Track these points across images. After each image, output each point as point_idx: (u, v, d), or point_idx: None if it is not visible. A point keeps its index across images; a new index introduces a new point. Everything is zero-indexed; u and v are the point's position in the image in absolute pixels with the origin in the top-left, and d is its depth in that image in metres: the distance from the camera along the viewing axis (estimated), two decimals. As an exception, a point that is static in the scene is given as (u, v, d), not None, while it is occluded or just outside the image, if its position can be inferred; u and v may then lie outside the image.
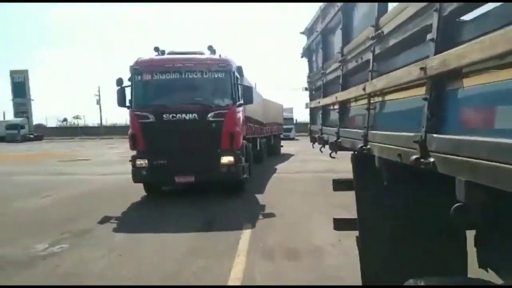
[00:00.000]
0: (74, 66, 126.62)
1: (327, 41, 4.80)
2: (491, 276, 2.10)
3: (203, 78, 9.92)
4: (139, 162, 9.77)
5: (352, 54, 3.45)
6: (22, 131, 52.10)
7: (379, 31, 2.63)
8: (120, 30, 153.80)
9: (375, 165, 2.78)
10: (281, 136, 27.54)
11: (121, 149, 30.24)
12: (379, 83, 2.52)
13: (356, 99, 3.34)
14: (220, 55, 10.45)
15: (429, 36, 1.92)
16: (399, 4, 2.35)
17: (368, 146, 2.81)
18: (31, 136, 53.30)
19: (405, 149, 2.10)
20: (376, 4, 2.75)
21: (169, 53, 11.09)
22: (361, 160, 3.42)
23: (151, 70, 9.98)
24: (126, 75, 10.24)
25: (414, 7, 2.09)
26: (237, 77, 10.45)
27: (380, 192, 3.10)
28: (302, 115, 50.58)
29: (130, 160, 10.04)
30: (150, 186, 10.75)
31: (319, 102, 5.05)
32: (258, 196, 10.74)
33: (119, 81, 10.09)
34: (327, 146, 5.16)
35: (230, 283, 5.04)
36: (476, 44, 1.45)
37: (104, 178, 14.95)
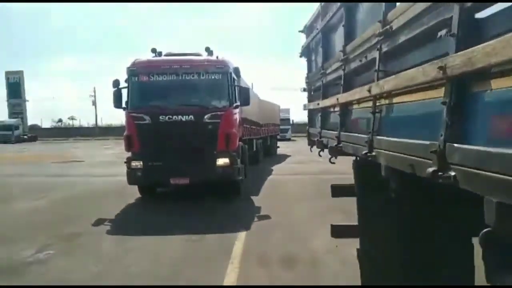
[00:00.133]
0: (70, 67, 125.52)
1: (327, 39, 4.56)
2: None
3: (200, 79, 9.86)
4: (134, 163, 9.65)
5: (356, 53, 3.22)
6: (16, 132, 51.51)
7: (387, 27, 2.39)
8: (117, 31, 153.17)
9: (379, 173, 2.56)
10: (278, 136, 27.43)
11: (116, 150, 29.88)
12: (387, 84, 2.29)
13: (360, 101, 3.10)
14: (217, 57, 10.38)
15: (444, 32, 1.69)
16: (411, -4, 2.12)
17: (374, 153, 2.58)
18: (25, 137, 52.75)
19: (418, 159, 1.86)
20: None
21: (166, 55, 11.02)
22: (364, 167, 3.20)
23: (148, 72, 9.91)
24: (120, 76, 10.19)
25: (429, -1, 1.85)
26: (234, 79, 10.38)
27: (384, 201, 2.88)
28: (298, 116, 50.67)
29: (125, 162, 9.91)
30: (144, 188, 10.59)
31: (318, 104, 4.82)
32: (253, 198, 10.54)
33: (116, 83, 10.01)
34: (325, 150, 4.98)
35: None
36: (510, 38, 1.22)
37: (97, 180, 14.65)
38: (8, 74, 62.52)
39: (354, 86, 3.44)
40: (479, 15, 1.57)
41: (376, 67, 2.63)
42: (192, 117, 9.59)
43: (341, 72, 3.75)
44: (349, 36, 3.47)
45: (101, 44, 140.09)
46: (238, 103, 10.46)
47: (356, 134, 3.14)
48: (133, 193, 10.68)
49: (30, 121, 64.75)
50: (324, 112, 4.74)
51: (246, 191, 11.17)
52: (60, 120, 77.85)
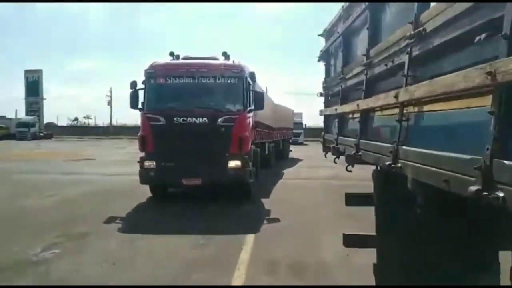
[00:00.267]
0: (88, 67, 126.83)
1: (348, 43, 4.37)
2: None
3: (216, 83, 10.01)
4: (147, 163, 9.75)
5: (380, 57, 3.02)
6: (32, 129, 52.20)
7: (420, 28, 2.19)
8: (136, 34, 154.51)
9: (403, 185, 2.36)
10: (290, 140, 27.29)
11: (129, 150, 30.08)
12: (419, 90, 2.08)
13: (383, 108, 2.90)
14: (233, 61, 10.54)
15: (484, 35, 1.49)
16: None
17: (399, 165, 2.37)
18: (41, 134, 53.39)
19: (456, 175, 1.66)
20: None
21: (184, 58, 11.22)
22: (385, 177, 3.00)
23: (165, 74, 10.10)
24: (136, 78, 10.27)
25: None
26: (249, 83, 10.49)
27: (407, 214, 2.68)
28: (311, 120, 50.64)
29: (138, 161, 9.99)
30: (156, 188, 10.63)
31: (336, 110, 4.62)
32: (263, 201, 10.50)
33: (133, 84, 10.16)
34: (341, 157, 4.78)
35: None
36: None
37: (109, 179, 14.62)
38: (27, 73, 63.63)
39: (377, 92, 3.24)
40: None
41: (405, 72, 2.43)
42: (206, 120, 9.69)
43: (362, 77, 3.56)
44: (374, 39, 3.28)
45: (120, 46, 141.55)
46: (253, 107, 10.56)
47: (378, 143, 2.94)
48: (144, 193, 10.61)
49: (46, 119, 65.65)
50: (342, 118, 4.54)
51: (257, 194, 11.09)
52: (76, 119, 78.72)
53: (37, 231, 7.41)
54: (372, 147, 3.06)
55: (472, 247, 2.50)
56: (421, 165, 2.02)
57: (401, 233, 2.82)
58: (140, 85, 10.18)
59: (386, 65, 2.90)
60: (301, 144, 39.15)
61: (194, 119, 9.69)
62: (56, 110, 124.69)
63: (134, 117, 63.86)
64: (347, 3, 4.26)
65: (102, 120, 74.21)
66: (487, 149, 1.44)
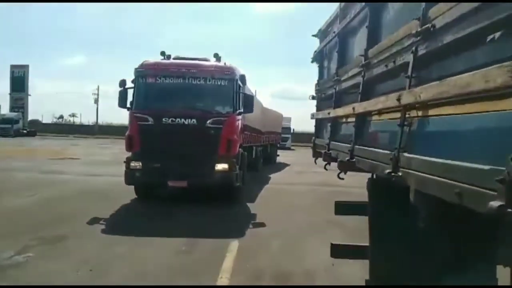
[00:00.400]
0: (75, 65, 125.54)
1: (345, 43, 4.18)
2: None
3: (206, 84, 9.96)
4: (134, 164, 9.60)
5: (380, 57, 2.83)
6: (16, 126, 51.00)
7: (428, 25, 2.00)
8: (124, 34, 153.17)
9: (400, 194, 2.17)
10: (278, 145, 27.16)
11: (114, 150, 29.60)
12: (426, 92, 1.89)
13: (382, 111, 2.71)
14: (225, 63, 10.51)
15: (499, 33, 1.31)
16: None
17: (400, 173, 2.17)
18: (24, 131, 52.30)
19: (471, 187, 1.46)
20: None
21: (175, 58, 11.14)
22: (381, 186, 2.81)
23: (156, 74, 10.05)
24: (121, 76, 10.05)
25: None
26: (239, 86, 10.43)
27: (404, 227, 2.49)
28: (298, 125, 50.76)
29: (124, 162, 9.79)
30: (141, 189, 10.45)
31: (329, 113, 4.42)
32: (249, 206, 10.35)
33: (122, 82, 10.07)
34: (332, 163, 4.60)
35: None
36: None
37: (92, 179, 14.24)
38: (13, 68, 62.25)
39: (375, 95, 3.05)
40: None
41: (409, 72, 2.24)
42: (195, 121, 9.63)
43: (359, 79, 3.37)
44: (373, 39, 3.09)
45: (108, 44, 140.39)
46: (242, 110, 10.48)
47: (376, 149, 2.74)
48: (127, 194, 10.37)
49: (31, 116, 64.45)
50: (335, 123, 4.35)
51: (242, 199, 10.92)
52: (61, 117, 77.79)
53: (12, 232, 7.05)
54: (369, 154, 2.86)
55: (473, 261, 2.31)
56: (427, 175, 1.82)
57: (398, 246, 2.63)
58: (129, 84, 10.07)
59: (386, 66, 2.71)
60: (288, 149, 39.14)
61: (182, 120, 9.61)
62: (41, 107, 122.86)
63: (120, 116, 63.41)
64: (343, 3, 4.07)
65: (87, 119, 73.43)
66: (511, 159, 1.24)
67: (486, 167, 1.37)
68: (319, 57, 5.51)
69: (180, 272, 5.62)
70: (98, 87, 65.58)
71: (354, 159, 3.21)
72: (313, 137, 5.70)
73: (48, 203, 9.92)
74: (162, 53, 11.05)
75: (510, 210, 1.22)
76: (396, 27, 2.54)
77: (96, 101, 65.41)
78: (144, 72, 10.03)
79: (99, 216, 8.44)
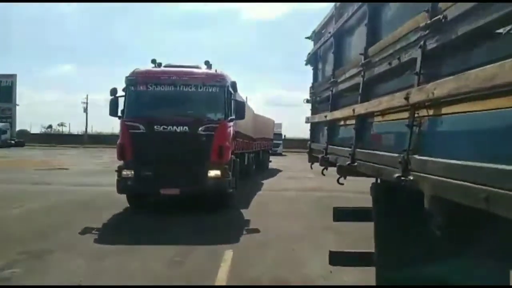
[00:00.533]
0: (63, 74, 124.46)
1: (341, 43, 4.04)
2: None
3: (197, 91, 9.97)
4: (125, 172, 9.53)
5: (383, 55, 2.68)
6: (4, 136, 50.26)
7: (439, 16, 1.85)
8: (111, 42, 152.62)
9: (409, 199, 2.01)
10: (270, 151, 27.15)
11: (104, 159, 29.26)
12: (441, 88, 1.73)
13: (387, 112, 2.55)
14: (216, 70, 10.54)
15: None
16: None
17: (411, 177, 2.01)
18: (12, 142, 51.53)
19: (504, 192, 1.29)
20: None
21: (166, 66, 11.11)
22: (387, 191, 2.65)
23: (147, 81, 10.03)
24: (111, 85, 10.08)
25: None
26: (230, 92, 10.45)
27: (414, 233, 2.33)
28: (288, 131, 50.96)
29: (116, 170, 9.73)
30: (133, 198, 10.31)
31: (325, 116, 4.27)
32: (242, 214, 10.23)
33: (113, 91, 10.03)
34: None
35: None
36: None
37: (81, 190, 13.90)
38: (0, 77, 61.43)
39: (376, 95, 2.91)
40: None
41: (417, 69, 2.09)
42: (187, 128, 9.61)
43: (358, 79, 3.22)
44: (373, 36, 2.95)
45: (97, 53, 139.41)
46: (233, 117, 10.48)
47: (380, 152, 2.58)
48: (116, 204, 10.19)
49: (19, 126, 63.62)
50: (332, 126, 4.19)
51: (235, 205, 10.83)
52: (49, 126, 76.76)
53: (1, 246, 6.81)
54: (372, 157, 2.70)
55: (487, 267, 2.16)
56: (446, 179, 1.65)
57: (408, 253, 2.46)
58: (120, 92, 10.04)
59: (390, 63, 2.56)
60: (280, 154, 39.24)
61: (174, 127, 9.60)
62: (29, 117, 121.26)
63: (110, 125, 62.87)
64: (339, 2, 3.94)
65: (77, 128, 72.74)
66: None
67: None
68: (314, 60, 5.36)
69: (174, 282, 5.43)
70: (87, 96, 65.08)
71: (356, 163, 3.05)
72: (309, 142, 5.53)
73: (35, 215, 9.65)
74: (153, 61, 11.05)
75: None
76: (400, 22, 2.40)
77: (85, 110, 64.91)
78: (135, 80, 9.97)
79: (88, 227, 8.21)
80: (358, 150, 3.06)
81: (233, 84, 10.53)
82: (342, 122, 3.81)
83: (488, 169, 1.38)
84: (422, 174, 1.89)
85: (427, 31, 1.99)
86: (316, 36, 5.10)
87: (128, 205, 10.27)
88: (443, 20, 1.83)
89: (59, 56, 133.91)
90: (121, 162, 9.84)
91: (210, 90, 9.95)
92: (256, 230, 8.28)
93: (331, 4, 4.27)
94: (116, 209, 9.98)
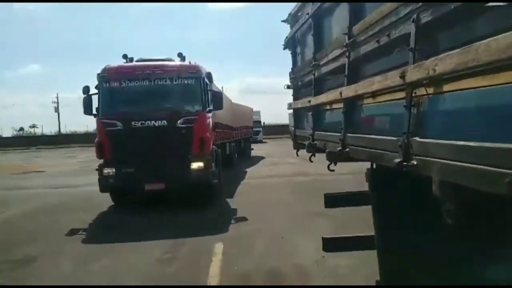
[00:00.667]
0: (31, 74, 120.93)
1: (321, 25, 3.87)
2: None
3: (172, 84, 9.86)
4: (107, 170, 9.45)
5: (369, 33, 2.53)
6: (-27, 142, 48.79)
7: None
8: (79, 39, 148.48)
9: (412, 185, 1.89)
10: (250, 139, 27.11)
11: (80, 158, 28.63)
12: (444, 63, 1.59)
13: (378, 93, 2.41)
14: (190, 62, 10.40)
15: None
16: None
17: (414, 162, 1.87)
18: (-18, 147, 49.97)
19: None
20: None
21: (138, 60, 10.87)
22: (383, 176, 2.53)
23: (119, 78, 9.83)
24: (81, 83, 9.75)
25: None
26: (207, 83, 10.37)
27: (418, 219, 2.23)
28: (268, 118, 51.08)
29: (96, 169, 9.63)
30: (117, 195, 10.29)
31: (309, 102, 4.11)
32: (228, 204, 10.28)
33: (86, 89, 9.90)
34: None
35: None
36: None
37: (58, 192, 13.55)
38: (-37, 82, 59.33)
39: (364, 75, 2.77)
40: None
41: (411, 45, 1.95)
42: (166, 122, 9.51)
43: (343, 61, 3.07)
44: (357, 14, 2.79)
45: (62, 52, 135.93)
46: (211, 108, 10.45)
47: (375, 136, 2.45)
48: (98, 204, 10.10)
49: (-12, 131, 61.73)
50: (317, 111, 4.04)
51: (220, 196, 10.85)
52: (21, 129, 74.97)
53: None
54: (365, 142, 2.57)
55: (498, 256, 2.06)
56: (457, 163, 1.52)
57: (413, 241, 2.36)
58: (93, 90, 9.88)
59: (378, 41, 2.41)
60: (261, 142, 39.44)
61: (152, 122, 9.49)
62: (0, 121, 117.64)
63: (84, 124, 61.68)
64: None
65: (50, 129, 71.14)
66: None
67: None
68: (292, 44, 5.18)
69: (165, 281, 5.30)
70: (57, 95, 63.73)
71: (347, 149, 2.91)
72: (292, 128, 5.38)
73: (13, 222, 9.39)
74: (124, 56, 10.79)
75: None
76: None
77: (57, 109, 63.48)
78: (107, 77, 9.79)
79: (71, 230, 8.02)
80: (349, 135, 2.92)
81: (209, 75, 10.44)
82: (328, 107, 3.66)
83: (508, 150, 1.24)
84: (427, 158, 1.75)
85: (420, 4, 1.84)
86: (292, 18, 4.91)
87: (112, 204, 10.21)
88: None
89: (24, 56, 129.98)
90: (101, 161, 9.71)
91: (185, 82, 9.84)
92: (244, 220, 8.25)
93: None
94: (98, 210, 9.81)
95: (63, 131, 65.92)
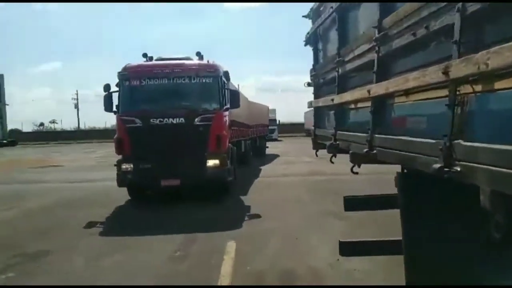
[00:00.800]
0: (52, 71, 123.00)
1: (346, 19, 3.66)
2: None
3: (191, 83, 10.05)
4: (125, 166, 9.68)
5: (403, 26, 2.32)
6: (-5, 136, 49.84)
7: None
8: (101, 37, 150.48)
9: (438, 190, 1.70)
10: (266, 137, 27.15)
11: (98, 154, 28.94)
12: (499, 58, 1.38)
13: (412, 91, 2.20)
14: (208, 61, 10.55)
15: None
16: None
17: (457, 168, 1.67)
18: (4, 141, 50.91)
19: None
20: None
21: (157, 59, 11.11)
22: (415, 181, 2.32)
23: (139, 76, 10.08)
24: (101, 80, 9.97)
25: None
26: (224, 82, 10.52)
27: (447, 228, 2.03)
28: (283, 116, 51.27)
29: (115, 165, 9.89)
30: (134, 190, 10.44)
31: (332, 100, 3.91)
32: (242, 201, 10.18)
33: (107, 87, 10.16)
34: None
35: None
36: None
37: (76, 187, 13.62)
38: (-13, 78, 60.41)
39: (395, 72, 2.56)
40: None
41: (456, 37, 1.74)
42: (183, 120, 9.68)
43: (372, 56, 2.87)
44: (388, 6, 2.58)
45: (83, 49, 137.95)
46: (229, 106, 10.58)
47: (408, 138, 2.24)
48: (114, 200, 10.16)
49: (10, 126, 62.93)
50: (341, 109, 3.84)
51: (235, 193, 10.82)
52: (41, 124, 76.37)
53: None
54: (397, 144, 2.36)
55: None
56: None
57: (445, 252, 2.15)
58: (113, 88, 10.12)
59: (414, 34, 2.20)
60: (276, 140, 39.53)
61: (170, 119, 9.68)
62: (21, 116, 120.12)
63: (103, 120, 62.49)
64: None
65: (69, 124, 72.28)
66: None
67: None
68: (314, 39, 4.97)
69: (176, 280, 5.18)
70: (77, 91, 64.74)
71: (375, 151, 2.71)
72: (312, 127, 5.18)
73: (31, 215, 9.40)
74: (144, 55, 11.00)
75: None
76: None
77: (76, 106, 64.48)
78: (127, 75, 10.04)
79: (84, 226, 7.98)
80: (377, 135, 2.72)
81: (226, 74, 10.57)
82: (353, 105, 3.45)
83: None
84: (474, 164, 1.55)
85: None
86: (314, 13, 4.70)
87: (128, 199, 10.28)
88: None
89: (45, 53, 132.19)
90: (119, 157, 9.93)
91: (204, 81, 10.00)
92: (258, 220, 8.18)
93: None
94: (111, 206, 9.81)
95: (82, 127, 66.94)
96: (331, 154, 4.31)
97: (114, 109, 10.16)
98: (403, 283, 4.01)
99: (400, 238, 3.30)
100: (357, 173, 3.31)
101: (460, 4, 1.72)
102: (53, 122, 75.83)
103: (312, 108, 5.30)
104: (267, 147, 25.73)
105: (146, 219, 8.58)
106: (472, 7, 1.67)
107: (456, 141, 1.70)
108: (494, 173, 1.42)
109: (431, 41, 2.08)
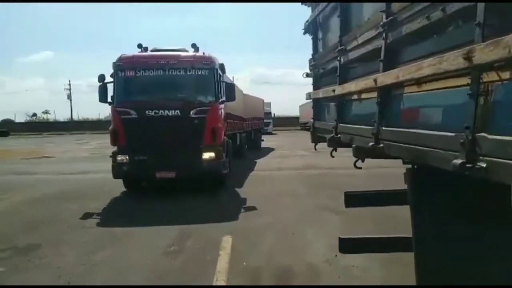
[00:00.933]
0: (45, 61, 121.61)
1: (348, 5, 3.47)
2: None
3: (186, 75, 9.99)
4: (120, 157, 9.72)
5: (415, 9, 2.14)
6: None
7: None
8: (94, 28, 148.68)
9: (452, 186, 1.55)
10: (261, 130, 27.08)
11: (91, 145, 28.68)
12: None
13: (426, 80, 2.04)
14: (203, 53, 10.48)
15: None
16: None
17: (482, 164, 1.51)
18: (-4, 132, 50.51)
19: None
20: None
21: (152, 50, 11.05)
22: (427, 178, 2.17)
23: (134, 67, 10.01)
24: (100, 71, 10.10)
25: None
26: (220, 75, 10.48)
27: (461, 227, 1.88)
28: (277, 110, 51.29)
29: (110, 156, 9.88)
30: (129, 182, 10.50)
31: (333, 91, 3.74)
32: (237, 195, 10.12)
33: (101, 77, 10.12)
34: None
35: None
36: None
37: (68, 178, 13.42)
38: (-21, 68, 59.88)
39: (405, 59, 2.40)
40: None
41: (479, 19, 1.57)
42: (179, 112, 9.65)
43: (378, 43, 2.69)
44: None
45: (75, 38, 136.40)
46: (224, 99, 10.60)
47: (421, 131, 2.07)
48: (108, 192, 10.13)
49: (2, 116, 62.62)
50: (343, 101, 3.67)
51: (230, 186, 10.85)
52: (34, 114, 75.71)
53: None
54: (408, 137, 2.19)
55: None
56: None
57: (459, 252, 2.01)
58: (108, 78, 10.08)
59: (428, 17, 2.02)
60: (270, 133, 39.65)
61: (166, 111, 9.65)
62: (13, 106, 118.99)
63: (97, 111, 62.00)
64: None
65: (62, 115, 71.73)
66: None
67: None
68: (313, 27, 4.78)
69: (171, 276, 5.06)
70: (70, 82, 64.31)
71: (382, 144, 2.55)
72: (312, 120, 5.01)
73: (20, 208, 9.20)
74: (139, 46, 10.90)
75: None
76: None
77: (69, 96, 64.04)
78: (122, 66, 9.96)
79: (76, 220, 7.82)
80: (384, 128, 2.56)
81: (222, 66, 10.51)
82: (356, 96, 3.28)
83: None
84: (502, 160, 1.39)
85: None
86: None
87: (122, 191, 10.28)
88: None
89: (36, 42, 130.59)
90: (113, 148, 9.92)
91: (199, 73, 9.95)
92: (253, 213, 8.11)
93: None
94: (105, 198, 9.70)
95: (75, 117, 66.46)
96: (330, 148, 4.17)
97: (109, 100, 10.08)
98: (403, 280, 3.89)
99: (401, 235, 3.18)
100: (360, 168, 3.15)
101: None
102: (46, 112, 75.26)
103: (309, 101, 5.14)
104: (263, 140, 25.74)
105: (140, 212, 8.47)
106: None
107: (479, 134, 1.54)
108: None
109: (447, 24, 1.91)
